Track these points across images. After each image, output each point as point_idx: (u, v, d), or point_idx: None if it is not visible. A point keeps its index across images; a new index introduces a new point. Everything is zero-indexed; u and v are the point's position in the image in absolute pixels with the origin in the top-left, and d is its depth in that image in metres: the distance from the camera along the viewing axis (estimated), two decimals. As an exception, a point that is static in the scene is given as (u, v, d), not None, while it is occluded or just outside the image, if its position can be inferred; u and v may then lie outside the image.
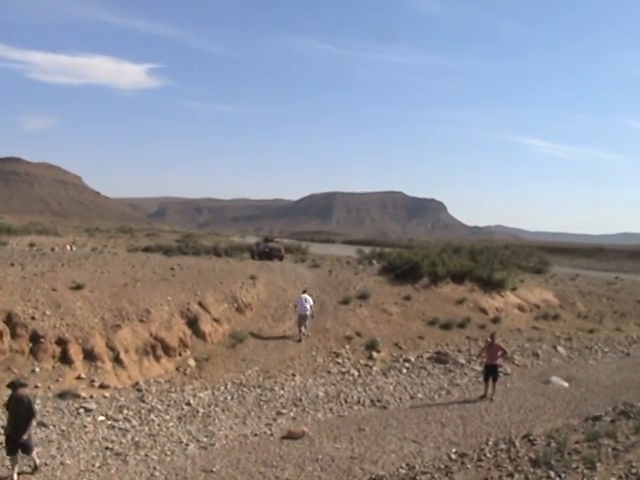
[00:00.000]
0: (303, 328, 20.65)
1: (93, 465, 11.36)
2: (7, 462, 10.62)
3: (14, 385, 10.53)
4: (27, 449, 10.35)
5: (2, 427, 11.39)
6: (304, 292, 21.79)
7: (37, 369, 14.98)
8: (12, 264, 21.97)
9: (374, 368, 19.44)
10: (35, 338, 15.66)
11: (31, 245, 40.35)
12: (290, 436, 13.27)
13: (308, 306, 20.75)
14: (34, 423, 10.61)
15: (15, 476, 10.34)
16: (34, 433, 10.53)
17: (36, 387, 14.28)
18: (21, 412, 10.22)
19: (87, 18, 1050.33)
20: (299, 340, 20.35)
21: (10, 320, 15.82)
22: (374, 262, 36.55)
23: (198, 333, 18.94)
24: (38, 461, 10.78)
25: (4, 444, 10.64)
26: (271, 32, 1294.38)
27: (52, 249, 36.70)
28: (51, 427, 12.77)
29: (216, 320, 19.99)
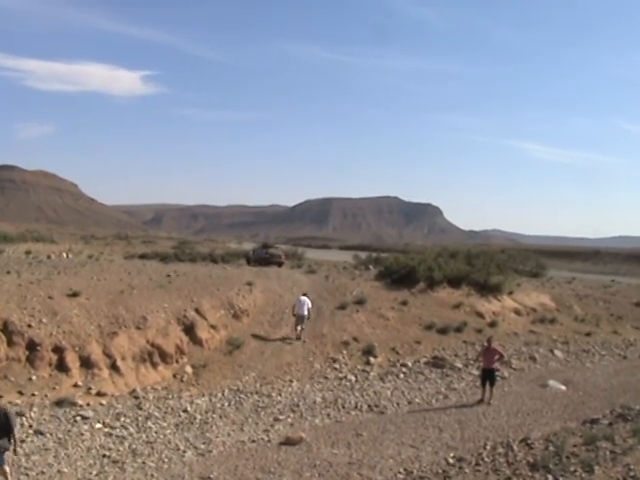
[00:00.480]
0: (299, 328, 20.92)
1: (90, 473, 11.33)
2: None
3: None
4: None
5: None
6: (304, 295, 22.10)
7: (34, 377, 14.91)
8: (8, 272, 21.93)
9: (371, 373, 19.44)
10: (32, 346, 15.59)
11: (27, 253, 40.31)
12: (288, 442, 13.24)
13: (306, 307, 21.12)
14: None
15: None
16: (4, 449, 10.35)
17: (33, 395, 14.24)
18: None
19: (82, 25, 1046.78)
20: (297, 339, 20.61)
21: (6, 328, 15.75)
22: (370, 267, 36.63)
23: (195, 340, 18.92)
24: (8, 469, 10.51)
25: None
26: (267, 38, 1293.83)
27: (48, 257, 36.69)
28: (48, 435, 12.73)
29: (213, 327, 19.97)
